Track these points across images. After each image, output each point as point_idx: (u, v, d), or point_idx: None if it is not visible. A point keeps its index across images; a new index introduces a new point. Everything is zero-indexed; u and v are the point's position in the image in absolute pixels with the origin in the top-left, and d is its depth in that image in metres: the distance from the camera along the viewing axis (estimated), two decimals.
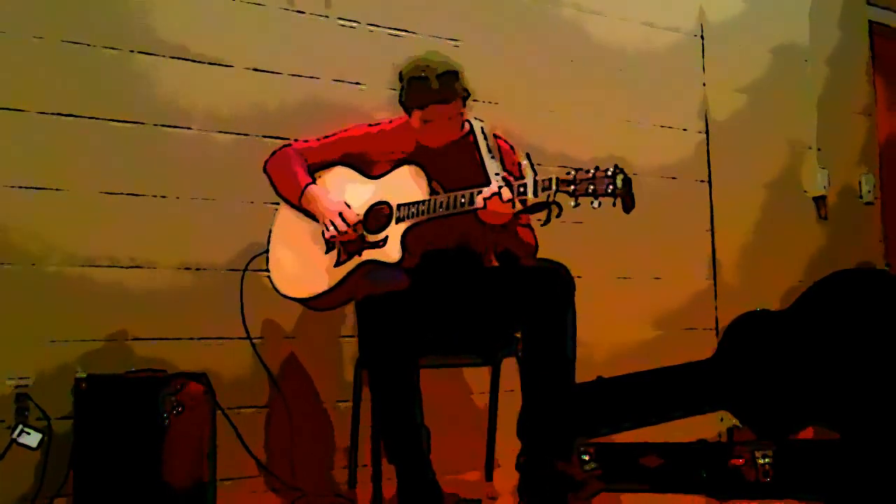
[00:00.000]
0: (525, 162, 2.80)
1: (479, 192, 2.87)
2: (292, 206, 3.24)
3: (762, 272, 4.84)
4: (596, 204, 2.66)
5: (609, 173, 2.66)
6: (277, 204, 3.32)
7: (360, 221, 3.09)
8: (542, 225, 2.77)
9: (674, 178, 4.72)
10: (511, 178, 2.86)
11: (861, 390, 3.13)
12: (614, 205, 2.66)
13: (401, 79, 3.12)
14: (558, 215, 2.74)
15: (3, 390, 3.10)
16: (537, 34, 4.38)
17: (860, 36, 5.68)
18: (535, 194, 2.77)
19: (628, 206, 2.67)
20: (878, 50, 5.75)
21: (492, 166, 3.05)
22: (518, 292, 2.96)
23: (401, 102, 3.15)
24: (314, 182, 3.21)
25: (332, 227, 3.08)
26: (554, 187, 2.73)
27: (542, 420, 2.92)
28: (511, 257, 3.09)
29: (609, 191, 2.65)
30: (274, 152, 3.30)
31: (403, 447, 2.90)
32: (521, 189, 2.80)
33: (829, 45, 5.49)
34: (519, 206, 2.83)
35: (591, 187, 2.67)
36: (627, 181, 2.65)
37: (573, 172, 2.71)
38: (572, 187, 2.70)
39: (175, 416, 2.94)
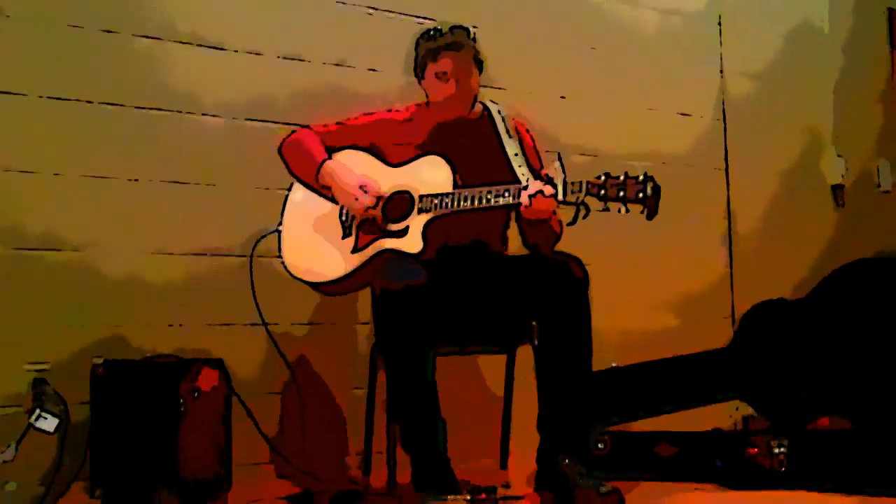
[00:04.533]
0: (556, 164, 2.81)
1: (508, 191, 2.89)
2: (308, 186, 3.22)
3: (779, 260, 4.82)
4: (623, 210, 2.67)
5: (640, 180, 2.68)
6: (289, 192, 3.31)
7: (382, 196, 3.08)
8: (567, 225, 2.80)
9: (690, 165, 4.70)
10: (544, 176, 2.88)
11: (877, 380, 3.12)
12: (642, 212, 2.67)
13: (415, 46, 3.17)
14: (585, 216, 2.75)
15: (22, 376, 3.11)
16: (555, 20, 4.36)
17: (878, 23, 5.64)
18: (564, 196, 2.79)
19: (652, 213, 2.69)
20: None
21: (511, 148, 3.06)
22: (533, 283, 2.96)
23: (415, 71, 3.19)
24: (330, 158, 3.19)
25: (355, 203, 3.06)
26: (583, 191, 2.75)
27: (561, 414, 2.92)
28: (536, 248, 3.09)
29: (639, 197, 2.67)
30: (289, 134, 3.30)
31: (419, 438, 2.91)
32: (551, 191, 2.82)
33: (846, 32, 5.45)
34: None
35: (621, 193, 2.69)
36: (657, 189, 2.68)
37: (603, 177, 2.73)
38: (602, 192, 2.72)
39: (192, 401, 2.95)
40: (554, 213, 3.05)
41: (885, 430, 2.97)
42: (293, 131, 3.30)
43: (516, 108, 3.37)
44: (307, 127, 3.30)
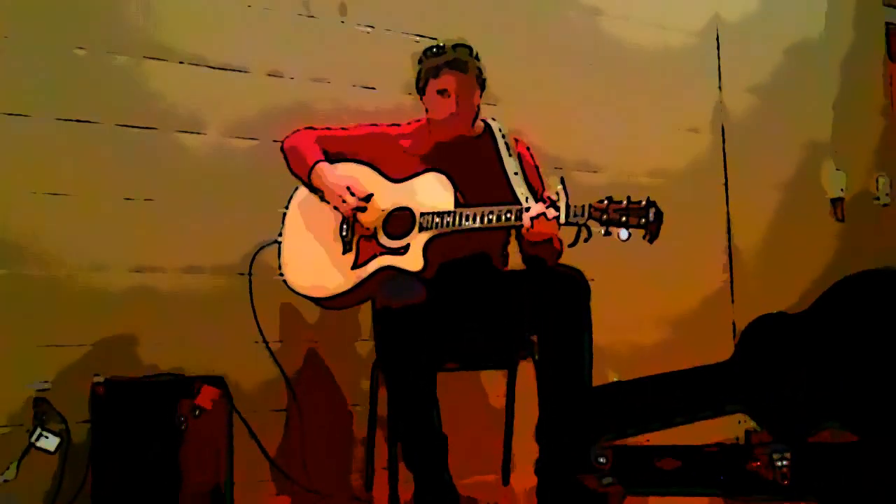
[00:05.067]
0: (559, 186, 2.81)
1: (510, 212, 2.90)
2: (304, 184, 3.23)
3: (779, 274, 4.82)
4: (625, 235, 2.68)
5: (642, 205, 2.69)
6: (288, 206, 3.31)
7: (370, 196, 3.08)
8: (569, 246, 2.80)
9: (690, 180, 4.70)
10: (542, 195, 2.89)
11: (879, 393, 3.11)
12: (644, 237, 2.68)
13: (418, 62, 3.18)
14: (587, 239, 2.76)
15: (24, 394, 3.11)
16: (552, 37, 4.37)
17: (877, 37, 5.66)
18: (567, 219, 2.80)
19: (654, 237, 2.71)
20: (894, 51, 5.72)
21: (511, 166, 3.07)
22: (534, 296, 2.96)
23: (417, 86, 3.19)
24: (325, 160, 3.20)
25: (342, 205, 3.08)
26: (586, 214, 2.76)
27: (560, 424, 2.92)
28: (538, 262, 3.09)
29: (641, 223, 2.68)
30: (293, 132, 3.30)
31: (421, 454, 2.91)
32: (553, 214, 2.83)
33: (844, 46, 5.47)
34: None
35: (624, 218, 2.71)
36: (659, 214, 2.69)
37: (606, 201, 2.74)
38: (604, 216, 2.73)
39: (193, 419, 2.95)
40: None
41: (888, 443, 2.97)
42: (296, 130, 3.30)
43: (516, 125, 3.37)
44: (310, 128, 3.31)
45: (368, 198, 3.08)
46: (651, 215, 2.68)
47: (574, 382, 2.92)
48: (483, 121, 3.26)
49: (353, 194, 3.08)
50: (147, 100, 3.43)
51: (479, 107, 3.19)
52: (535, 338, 3.02)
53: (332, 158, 3.21)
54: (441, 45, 3.15)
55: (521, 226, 2.89)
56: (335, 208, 3.14)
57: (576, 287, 2.93)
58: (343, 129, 3.31)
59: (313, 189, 3.19)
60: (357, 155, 3.22)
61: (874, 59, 5.64)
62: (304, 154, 3.21)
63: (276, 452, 3.45)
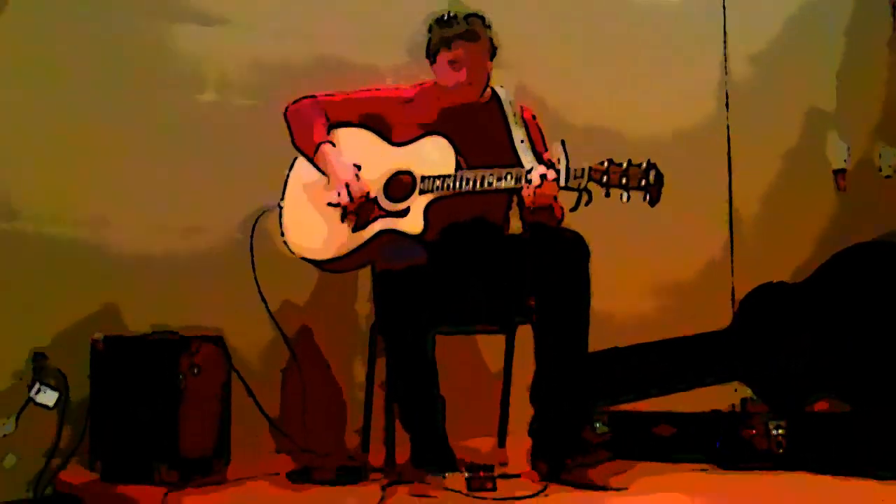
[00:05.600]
0: (559, 148, 2.80)
1: (510, 174, 2.89)
2: (308, 159, 3.22)
3: (780, 244, 4.81)
4: (625, 197, 2.67)
5: (643, 167, 2.68)
6: (291, 170, 3.30)
7: (366, 195, 3.08)
8: (570, 211, 2.79)
9: (692, 148, 4.68)
10: (547, 161, 2.87)
11: (876, 363, 3.12)
12: (645, 199, 2.67)
13: (429, 30, 3.15)
14: (588, 203, 2.75)
15: (22, 350, 3.12)
16: (558, 3, 4.34)
17: (882, 7, 5.61)
18: (567, 181, 2.79)
19: (654, 200, 2.69)
20: None
21: (517, 133, 3.06)
22: (533, 258, 2.96)
23: (427, 54, 3.17)
24: (330, 141, 3.19)
25: (338, 198, 3.08)
26: (586, 177, 2.75)
27: (556, 386, 2.93)
28: (539, 227, 3.09)
29: (641, 185, 2.67)
30: (296, 100, 3.28)
31: (418, 416, 2.92)
32: (553, 176, 2.81)
33: (849, 15, 5.42)
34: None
35: (624, 180, 2.70)
36: (660, 176, 2.68)
37: (606, 163, 2.73)
38: (605, 178, 2.72)
39: (192, 377, 2.96)
40: (555, 198, 3.04)
41: (883, 412, 2.98)
42: (298, 98, 3.28)
43: (519, 88, 3.36)
44: (312, 97, 3.29)
45: (366, 196, 3.07)
46: (651, 177, 2.67)
47: (572, 345, 2.92)
48: (491, 88, 3.24)
49: (350, 194, 3.07)
50: (151, 58, 3.41)
51: (489, 75, 3.17)
52: (532, 301, 3.02)
53: (335, 125, 3.21)
54: (454, 14, 3.12)
55: (520, 189, 2.89)
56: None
57: (576, 249, 2.92)
58: (345, 94, 3.28)
59: (317, 166, 3.18)
60: (360, 119, 3.21)
61: (879, 28, 5.59)
62: (309, 129, 3.20)
63: (274, 412, 3.46)
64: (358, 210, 3.09)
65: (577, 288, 2.90)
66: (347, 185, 3.08)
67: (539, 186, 2.83)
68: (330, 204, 3.13)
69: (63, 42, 3.27)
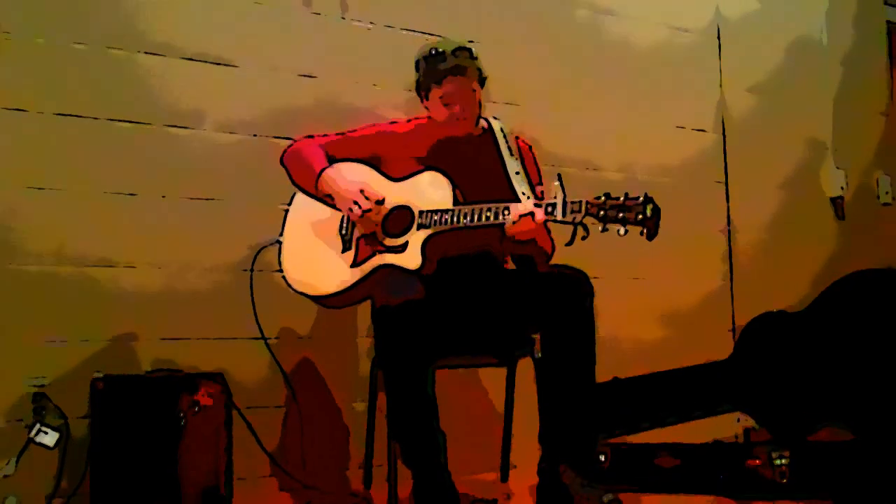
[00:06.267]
0: (556, 183, 2.80)
1: (507, 209, 2.87)
2: (308, 194, 3.22)
3: (779, 273, 4.82)
4: (623, 231, 2.67)
5: (639, 201, 2.68)
6: (290, 205, 3.31)
7: (383, 200, 3.06)
8: (565, 245, 2.77)
9: (690, 178, 4.70)
10: (539, 194, 2.87)
11: (878, 392, 3.12)
12: (642, 234, 2.66)
13: (416, 67, 3.16)
14: (584, 237, 2.74)
15: (22, 390, 3.11)
16: (554, 35, 4.37)
17: (878, 36, 5.65)
18: (564, 216, 2.78)
19: (652, 234, 2.68)
20: (895, 50, 5.72)
21: (512, 165, 3.06)
22: (539, 297, 2.95)
23: (418, 91, 3.18)
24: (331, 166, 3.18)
25: (355, 208, 3.04)
26: (583, 211, 2.74)
27: (564, 426, 2.91)
28: (527, 260, 3.09)
29: (638, 219, 2.66)
30: (291, 144, 3.29)
31: (420, 453, 2.90)
32: (550, 209, 2.81)
33: (845, 44, 5.47)
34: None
35: (621, 214, 2.68)
36: (657, 210, 2.67)
37: (603, 197, 2.72)
38: (601, 213, 2.71)
39: (192, 415, 2.95)
40: (547, 229, 3.04)
41: (886, 441, 2.97)
42: (294, 141, 3.30)
43: (517, 123, 3.37)
44: (309, 137, 3.30)
45: (382, 201, 3.07)
46: (648, 211, 2.66)
47: (578, 382, 2.90)
48: (485, 119, 3.26)
49: (367, 198, 3.06)
50: (145, 95, 3.43)
51: (480, 104, 3.19)
52: (537, 336, 3.01)
53: (334, 163, 3.20)
54: (441, 50, 3.13)
55: (503, 224, 2.88)
56: (344, 210, 3.12)
57: (582, 290, 2.92)
58: (340, 134, 3.29)
59: (319, 197, 3.17)
60: (360, 155, 3.22)
61: (875, 57, 5.63)
62: (309, 161, 3.18)
63: (275, 449, 3.45)
64: (358, 238, 3.08)
65: (583, 327, 2.89)
66: (363, 191, 3.05)
67: (515, 223, 2.84)
68: (341, 230, 3.12)
69: (64, 79, 3.29)
